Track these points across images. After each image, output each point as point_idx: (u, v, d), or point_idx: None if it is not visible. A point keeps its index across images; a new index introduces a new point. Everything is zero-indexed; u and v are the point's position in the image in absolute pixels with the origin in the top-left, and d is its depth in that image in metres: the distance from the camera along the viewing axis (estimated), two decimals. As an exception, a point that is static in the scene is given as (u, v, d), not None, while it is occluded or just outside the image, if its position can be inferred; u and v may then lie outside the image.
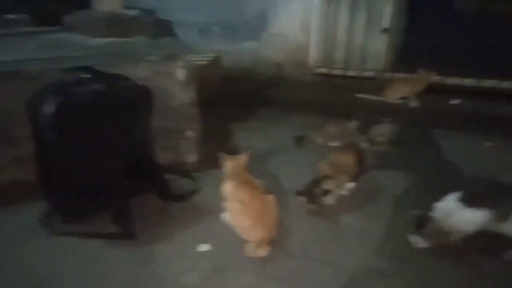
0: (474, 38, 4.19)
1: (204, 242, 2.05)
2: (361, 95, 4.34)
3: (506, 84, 3.96)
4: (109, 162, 2.15)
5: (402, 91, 4.11)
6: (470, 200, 1.91)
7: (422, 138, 3.39)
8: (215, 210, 2.24)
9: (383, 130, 3.17)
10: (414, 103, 4.05)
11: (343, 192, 2.43)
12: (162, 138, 2.63)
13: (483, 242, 1.93)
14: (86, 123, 2.04)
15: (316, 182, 2.20)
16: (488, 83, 4.04)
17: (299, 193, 2.23)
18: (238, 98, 4.58)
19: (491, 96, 3.90)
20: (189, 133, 2.67)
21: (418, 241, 1.97)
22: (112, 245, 2.04)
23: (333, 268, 1.86)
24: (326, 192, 2.31)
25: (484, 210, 1.87)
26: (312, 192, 2.17)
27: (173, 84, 2.50)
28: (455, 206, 1.92)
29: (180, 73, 2.49)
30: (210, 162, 2.75)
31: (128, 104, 2.12)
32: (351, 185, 2.46)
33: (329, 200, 2.35)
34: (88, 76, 2.14)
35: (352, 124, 3.16)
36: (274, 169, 2.83)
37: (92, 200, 2.18)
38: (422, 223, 1.96)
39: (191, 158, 2.72)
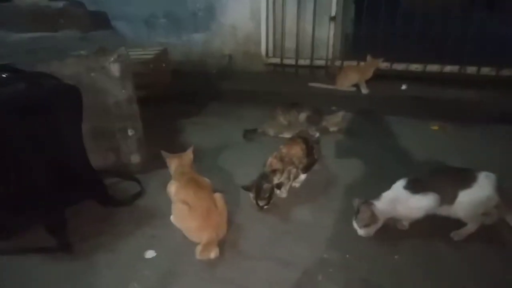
0: (419, 25, 4.28)
1: (150, 249, 1.92)
2: (313, 84, 4.32)
3: (448, 68, 4.08)
4: (37, 170, 1.93)
5: (352, 78, 4.13)
6: (416, 187, 1.91)
7: (373, 125, 3.42)
8: (162, 213, 2.11)
9: (335, 119, 3.16)
10: (365, 91, 4.09)
11: (294, 184, 2.38)
12: (101, 139, 2.45)
13: (431, 225, 1.95)
14: (6, 128, 1.81)
15: (264, 177, 2.12)
16: (434, 68, 4.15)
17: (246, 188, 2.14)
18: (188, 92, 4.41)
19: (435, 81, 4.01)
20: (130, 132, 2.49)
21: (356, 227, 1.94)
22: (49, 260, 1.86)
23: (285, 264, 1.80)
24: (278, 185, 2.25)
25: (430, 195, 1.87)
26: (259, 187, 2.08)
27: (107, 80, 2.30)
28: (403, 194, 1.92)
29: (114, 68, 2.29)
30: (156, 162, 2.61)
31: (53, 105, 1.91)
32: (302, 177, 2.41)
33: (281, 193, 2.30)
34: (7, 75, 1.92)
35: (303, 115, 3.11)
36: (227, 165, 2.73)
37: (22, 213, 1.97)
38: (358, 210, 1.92)
39: (134, 159, 2.55)
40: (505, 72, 3.90)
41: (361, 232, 1.92)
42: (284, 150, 2.29)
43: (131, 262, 1.85)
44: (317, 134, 3.11)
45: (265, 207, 2.12)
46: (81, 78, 2.22)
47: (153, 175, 2.54)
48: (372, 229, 1.91)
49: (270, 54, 4.82)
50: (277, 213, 2.17)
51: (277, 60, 4.79)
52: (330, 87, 4.20)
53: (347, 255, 1.85)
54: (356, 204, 1.94)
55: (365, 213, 1.88)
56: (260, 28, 4.77)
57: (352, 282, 1.70)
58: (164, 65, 4.58)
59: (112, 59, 2.30)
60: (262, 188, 2.07)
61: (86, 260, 1.86)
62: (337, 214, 2.16)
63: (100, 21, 2.91)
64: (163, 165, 2.20)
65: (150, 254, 1.88)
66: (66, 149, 2.00)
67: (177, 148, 2.99)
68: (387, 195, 1.93)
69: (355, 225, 1.93)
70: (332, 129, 3.18)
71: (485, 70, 3.97)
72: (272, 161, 2.19)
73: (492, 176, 1.87)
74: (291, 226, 2.08)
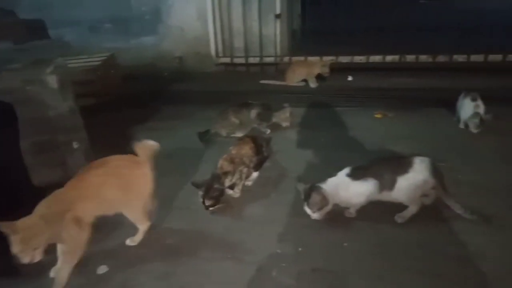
0: (362, 20, 4.47)
1: (103, 263, 1.87)
2: (265, 81, 4.39)
3: (390, 58, 4.30)
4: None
5: (301, 74, 4.24)
6: (357, 174, 2.01)
7: (322, 117, 3.52)
8: (112, 225, 2.06)
9: (284, 115, 3.22)
10: (313, 84, 4.22)
11: (247, 183, 2.41)
12: (44, 155, 2.35)
13: (376, 211, 2.05)
14: None
15: (216, 178, 2.13)
16: (376, 58, 4.35)
17: (196, 185, 2.14)
18: (140, 97, 4.32)
19: (378, 71, 4.21)
20: (76, 145, 2.41)
21: (309, 212, 2.01)
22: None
23: (240, 263, 1.82)
24: (231, 186, 2.27)
25: (370, 182, 1.98)
26: (209, 186, 2.09)
27: (45, 93, 2.21)
28: (345, 181, 2.01)
29: (52, 80, 2.21)
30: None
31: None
32: (254, 175, 2.45)
33: (234, 193, 2.32)
34: None
35: (254, 112, 3.15)
36: (182, 168, 2.71)
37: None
38: (308, 195, 2.00)
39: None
40: (441, 59, 4.16)
41: (314, 216, 2.00)
42: (234, 151, 2.31)
43: (82, 280, 1.80)
44: (268, 131, 3.19)
45: (211, 209, 2.12)
46: (16, 92, 2.12)
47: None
48: (323, 212, 2.00)
49: (220, 54, 4.85)
50: (230, 213, 2.20)
51: (227, 60, 4.82)
52: (281, 83, 4.29)
53: (300, 248, 1.90)
54: (301, 189, 2.03)
55: (316, 197, 1.97)
56: (208, 28, 4.77)
57: (304, 273, 1.75)
58: (112, 71, 4.47)
59: (49, 70, 2.22)
60: (211, 187, 2.08)
61: (35, 282, 1.79)
62: (288, 207, 2.21)
63: (36, 30, 2.78)
64: None
65: (102, 269, 1.84)
66: (2, 169, 1.90)
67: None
68: (332, 181, 2.03)
69: (308, 210, 2.00)
70: (284, 124, 3.24)
71: (423, 58, 4.21)
72: (223, 164, 2.21)
73: (426, 160, 1.99)
74: (245, 224, 2.11)
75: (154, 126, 3.55)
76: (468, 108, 2.95)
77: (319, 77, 4.20)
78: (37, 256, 1.55)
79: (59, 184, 2.37)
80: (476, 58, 4.19)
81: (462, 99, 3.06)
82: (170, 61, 5.12)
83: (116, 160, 1.88)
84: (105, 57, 4.38)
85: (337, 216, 2.09)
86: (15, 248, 1.49)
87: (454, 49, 4.23)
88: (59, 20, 4.77)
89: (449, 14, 6.04)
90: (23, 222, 1.53)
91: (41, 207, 1.61)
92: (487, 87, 3.58)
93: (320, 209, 1.98)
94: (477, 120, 2.89)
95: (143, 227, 1.97)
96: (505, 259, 1.76)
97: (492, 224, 1.95)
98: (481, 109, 2.92)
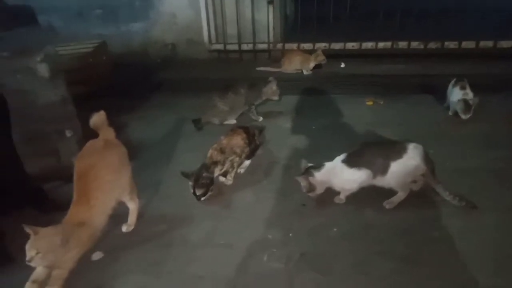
0: (355, 6, 4.46)
1: (97, 250, 1.90)
2: (261, 68, 4.38)
3: (382, 45, 4.30)
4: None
5: (296, 63, 4.24)
6: (352, 161, 2.05)
7: (315, 104, 3.54)
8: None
9: (271, 89, 3.16)
10: (307, 72, 4.23)
11: (239, 170, 2.44)
12: (36, 144, 2.36)
13: (365, 197, 2.10)
14: None
15: (206, 167, 2.16)
16: (369, 45, 4.35)
17: (186, 175, 2.16)
18: (132, 85, 4.30)
19: (371, 57, 4.22)
20: (68, 134, 2.41)
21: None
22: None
23: (231, 249, 1.87)
24: (224, 173, 2.31)
25: (362, 170, 2.02)
26: (199, 176, 2.12)
27: (35, 82, 2.20)
28: (340, 167, 2.06)
29: (42, 69, 2.20)
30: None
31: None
32: (246, 162, 2.48)
33: (227, 181, 2.36)
34: None
35: (241, 97, 3.12)
36: (173, 157, 2.73)
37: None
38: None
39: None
40: (432, 45, 4.18)
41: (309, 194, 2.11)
42: (224, 141, 2.33)
43: (78, 266, 1.83)
44: (261, 118, 3.20)
45: (202, 198, 2.14)
46: (5, 81, 2.11)
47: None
48: (313, 194, 2.10)
49: (213, 40, 4.81)
50: (222, 200, 2.24)
51: (220, 47, 4.78)
52: (276, 70, 4.30)
53: (290, 234, 1.95)
54: (302, 165, 2.14)
55: (302, 182, 2.07)
56: (201, 15, 4.72)
57: (294, 258, 1.80)
58: (104, 58, 4.43)
59: (39, 59, 2.20)
60: (201, 176, 2.10)
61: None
62: (279, 194, 2.26)
63: (24, 17, 2.71)
64: None
65: (97, 255, 1.88)
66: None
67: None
68: (328, 165, 2.10)
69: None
70: (274, 98, 3.21)
71: (415, 44, 4.22)
72: (212, 153, 2.23)
73: (419, 147, 2.04)
74: (236, 211, 2.16)
75: (146, 114, 3.54)
76: (457, 95, 2.99)
77: (316, 66, 4.21)
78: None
79: (53, 173, 2.41)
80: (468, 44, 4.20)
81: (452, 87, 3.09)
82: (162, 48, 5.07)
83: (93, 146, 1.93)
84: (97, 44, 4.34)
85: (327, 201, 2.14)
86: (29, 252, 1.55)
87: (445, 35, 4.23)
88: (46, 6, 4.67)
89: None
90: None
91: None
92: (477, 73, 3.61)
93: (308, 192, 2.08)
94: (464, 106, 2.92)
95: (134, 205, 2.02)
96: (486, 242, 1.82)
97: (478, 209, 2.00)
98: (470, 96, 2.96)
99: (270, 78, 3.22)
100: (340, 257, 1.80)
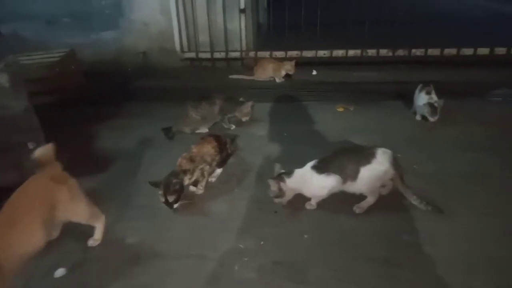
0: (326, 14, 4.54)
1: (60, 266, 1.83)
2: (234, 76, 4.38)
3: (352, 53, 4.40)
4: None
5: (269, 71, 4.27)
6: (322, 167, 2.07)
7: (287, 112, 3.56)
8: (72, 226, 2.00)
9: (245, 110, 3.20)
10: (279, 80, 4.26)
11: (211, 179, 2.42)
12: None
13: (336, 202, 2.12)
14: None
15: (174, 175, 2.12)
16: (339, 53, 4.44)
17: (154, 184, 2.11)
18: (102, 94, 4.21)
19: (341, 65, 4.31)
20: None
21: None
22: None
23: (203, 260, 1.84)
24: (195, 182, 2.27)
25: (332, 177, 2.04)
26: (168, 183, 2.07)
27: (-5, 93, 2.12)
28: (309, 173, 2.08)
29: (3, 79, 2.11)
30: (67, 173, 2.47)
31: None
32: (218, 171, 2.46)
33: (197, 190, 2.32)
34: None
35: (216, 108, 3.13)
36: (144, 167, 2.67)
37: None
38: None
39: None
40: (400, 53, 4.31)
41: (275, 200, 2.13)
42: (195, 149, 2.30)
43: (38, 284, 1.75)
44: (233, 127, 3.19)
45: (175, 205, 2.10)
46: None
47: (64, 187, 2.40)
48: (280, 200, 2.13)
49: (185, 49, 4.78)
50: (194, 210, 2.20)
51: (192, 55, 4.76)
52: (249, 77, 4.31)
53: (262, 242, 1.94)
54: (276, 169, 2.17)
55: (273, 186, 2.08)
56: (172, 23, 4.69)
57: (266, 267, 1.79)
58: (73, 67, 4.33)
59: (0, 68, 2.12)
60: (171, 183, 2.06)
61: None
62: (251, 202, 2.25)
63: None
64: (75, 177, 2.08)
65: (60, 272, 1.80)
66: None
67: (92, 156, 2.90)
68: (298, 172, 2.11)
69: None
70: (244, 119, 3.23)
71: (383, 52, 4.34)
72: (182, 162, 2.20)
73: (388, 152, 2.07)
74: (208, 221, 2.13)
75: (117, 124, 3.47)
76: (423, 100, 3.08)
77: (286, 75, 4.26)
78: None
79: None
80: (433, 52, 4.35)
81: (418, 92, 3.18)
82: (134, 57, 4.99)
83: (31, 186, 1.69)
84: (64, 53, 4.23)
85: (298, 208, 2.14)
86: None
87: (412, 43, 4.38)
88: (14, 14, 4.54)
89: (407, 8, 6.26)
90: None
91: None
92: (443, 79, 3.74)
93: (277, 197, 2.09)
94: (430, 109, 3.02)
95: (99, 223, 1.94)
96: (455, 245, 1.87)
97: (445, 212, 2.04)
98: (434, 100, 3.06)
99: (250, 100, 3.23)
100: (314, 264, 1.80)
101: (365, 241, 1.93)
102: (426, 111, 3.05)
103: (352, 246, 1.90)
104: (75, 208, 1.81)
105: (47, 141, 2.44)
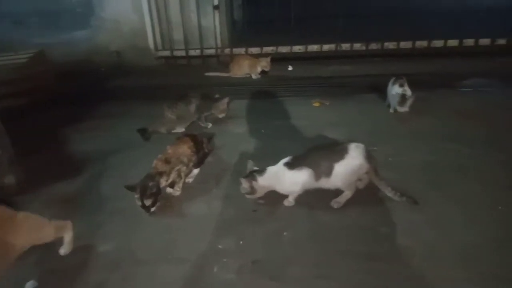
0: (301, 10, 4.56)
1: (31, 278, 1.76)
2: (210, 73, 4.34)
3: (326, 47, 4.43)
4: None
5: (245, 68, 4.25)
6: (294, 163, 2.08)
7: (263, 108, 3.56)
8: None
9: (221, 106, 3.17)
10: (255, 76, 4.25)
11: (188, 180, 2.39)
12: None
13: (313, 198, 2.13)
14: None
15: (150, 177, 2.08)
16: (314, 48, 4.46)
17: (130, 188, 2.07)
18: (75, 95, 4.09)
19: (316, 60, 4.33)
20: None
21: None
22: None
23: (181, 263, 1.81)
24: (171, 184, 2.24)
25: (304, 171, 2.05)
26: (144, 186, 2.03)
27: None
28: (282, 170, 2.08)
29: (-36, 84, 2.02)
30: (39, 180, 2.39)
31: None
32: (195, 171, 2.43)
33: (174, 191, 2.29)
34: None
35: (192, 107, 3.09)
36: (119, 169, 2.61)
37: None
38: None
39: (8, 180, 2.30)
40: (373, 46, 4.36)
41: (247, 196, 2.14)
42: (170, 150, 2.26)
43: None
44: (209, 125, 3.16)
45: (152, 209, 2.07)
46: None
47: (36, 194, 2.32)
48: (252, 197, 2.13)
49: (159, 47, 4.70)
50: (171, 212, 2.17)
51: (167, 53, 4.69)
52: (225, 74, 4.28)
53: (241, 241, 1.93)
54: (249, 167, 2.20)
55: (245, 184, 2.09)
56: (145, 20, 4.60)
57: (245, 266, 1.78)
58: (42, 68, 4.18)
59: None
60: (147, 186, 2.02)
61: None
62: (230, 201, 2.23)
63: None
64: (47, 182, 2.02)
65: (30, 285, 1.73)
66: None
67: (65, 159, 2.82)
68: (271, 170, 2.11)
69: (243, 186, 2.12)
70: (220, 115, 3.21)
71: (357, 46, 4.39)
72: (157, 164, 2.15)
73: (361, 146, 2.09)
74: (187, 222, 2.10)
75: (91, 125, 3.38)
76: (397, 93, 3.13)
77: (262, 72, 4.25)
78: None
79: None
80: (405, 45, 4.43)
81: (392, 85, 3.24)
82: (107, 56, 4.88)
83: None
84: (33, 54, 4.09)
85: (276, 206, 2.14)
86: None
87: (385, 36, 4.44)
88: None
89: (380, 2, 6.34)
90: None
91: None
92: (415, 71, 3.82)
93: (249, 194, 2.11)
94: (400, 99, 3.10)
95: (66, 232, 1.87)
96: (431, 235, 1.90)
97: (419, 203, 2.07)
98: (408, 93, 3.12)
99: (225, 97, 3.21)
100: (295, 262, 1.79)
101: (343, 235, 1.94)
102: (396, 101, 3.12)
103: (331, 241, 1.90)
104: (36, 234, 1.72)
105: (18, 146, 2.38)
